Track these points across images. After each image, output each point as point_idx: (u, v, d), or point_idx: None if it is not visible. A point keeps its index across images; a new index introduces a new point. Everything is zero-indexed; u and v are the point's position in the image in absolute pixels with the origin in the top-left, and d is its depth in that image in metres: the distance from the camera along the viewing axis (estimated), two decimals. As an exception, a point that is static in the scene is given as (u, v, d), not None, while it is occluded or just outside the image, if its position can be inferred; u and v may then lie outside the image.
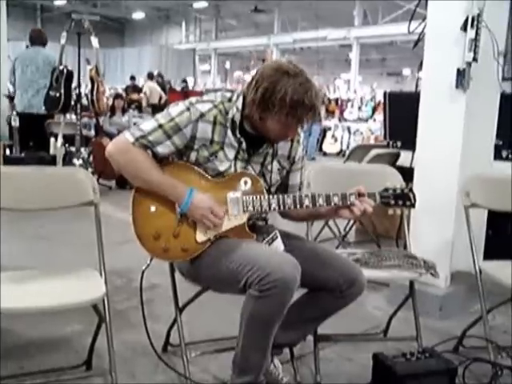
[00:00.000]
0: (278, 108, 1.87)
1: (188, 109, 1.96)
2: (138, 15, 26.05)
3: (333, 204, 2.00)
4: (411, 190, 2.06)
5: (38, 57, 6.29)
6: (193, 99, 2.02)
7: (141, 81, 15.31)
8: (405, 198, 2.04)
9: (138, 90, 12.70)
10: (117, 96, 8.29)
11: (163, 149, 1.96)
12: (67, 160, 6.47)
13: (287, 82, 1.86)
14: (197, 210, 1.93)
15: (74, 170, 2.52)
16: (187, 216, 1.96)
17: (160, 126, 1.95)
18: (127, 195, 2.02)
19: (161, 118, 1.97)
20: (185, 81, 15.66)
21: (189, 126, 1.95)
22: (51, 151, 6.58)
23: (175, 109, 1.98)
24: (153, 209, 1.99)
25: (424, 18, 3.11)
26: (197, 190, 1.95)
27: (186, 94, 12.08)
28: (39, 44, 6.41)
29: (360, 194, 2.00)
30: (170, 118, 1.95)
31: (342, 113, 13.99)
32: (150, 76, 13.35)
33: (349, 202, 2.00)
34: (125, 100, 8.36)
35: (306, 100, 1.86)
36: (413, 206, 2.06)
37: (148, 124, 1.97)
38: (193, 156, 2.00)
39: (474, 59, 2.84)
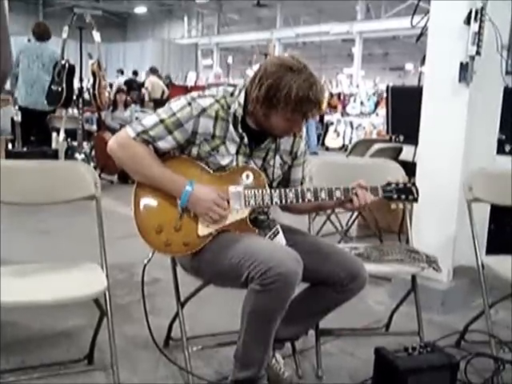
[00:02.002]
0: (284, 104, 1.87)
1: (189, 104, 1.95)
2: (140, 10, 25.97)
3: (335, 198, 2.00)
4: (414, 184, 2.06)
5: (44, 53, 6.26)
6: (194, 94, 2.01)
7: (142, 75, 15.25)
8: (407, 192, 2.04)
9: (137, 86, 12.56)
10: (119, 90, 8.27)
11: (164, 144, 1.96)
12: (69, 154, 6.47)
13: (292, 78, 1.85)
14: (200, 203, 1.92)
15: (76, 163, 2.52)
16: (189, 209, 1.95)
17: (161, 121, 1.94)
18: (129, 190, 2.02)
19: (162, 112, 1.96)
20: (168, 77, 15.44)
21: (190, 121, 1.94)
22: (53, 146, 6.58)
23: (176, 104, 1.97)
24: (154, 203, 1.99)
25: (427, 12, 3.09)
26: (197, 183, 1.95)
27: (186, 88, 12.06)
28: (44, 39, 6.37)
29: (362, 188, 2.00)
30: (172, 113, 1.94)
31: (344, 107, 13.94)
32: (153, 70, 13.32)
33: (351, 196, 2.00)
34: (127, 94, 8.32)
35: (311, 95, 1.86)
36: (415, 200, 2.06)
37: (149, 119, 1.96)
38: (194, 151, 1.99)
39: (478, 53, 2.82)
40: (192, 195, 1.92)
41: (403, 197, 2.04)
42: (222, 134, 1.98)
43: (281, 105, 1.87)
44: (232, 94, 2.01)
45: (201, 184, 1.96)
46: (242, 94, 1.98)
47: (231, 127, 1.99)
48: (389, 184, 2.04)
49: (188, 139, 1.97)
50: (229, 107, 1.99)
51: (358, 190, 1.99)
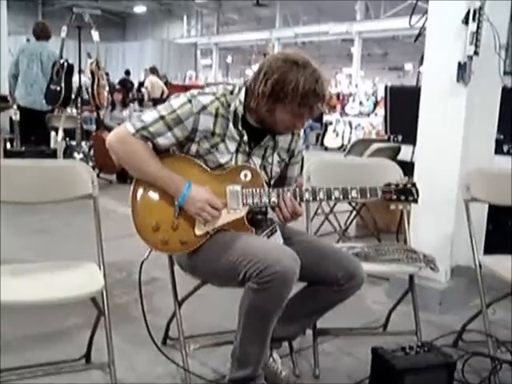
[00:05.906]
0: (290, 98, 1.87)
1: (190, 101, 1.95)
2: (140, 9, 25.93)
3: (333, 198, 2.00)
4: (414, 184, 2.04)
5: (44, 53, 6.23)
6: (194, 91, 2.01)
7: (141, 75, 15.24)
8: (407, 193, 2.03)
9: (131, 85, 12.48)
10: (115, 90, 8.27)
11: (164, 140, 1.96)
12: (68, 154, 6.47)
13: (298, 73, 1.86)
14: (194, 203, 1.92)
15: (73, 162, 2.51)
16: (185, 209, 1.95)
17: (161, 117, 1.94)
18: (128, 189, 2.02)
19: (162, 109, 1.96)
20: (165, 76, 15.24)
21: (190, 119, 1.94)
22: (52, 145, 6.58)
23: (177, 101, 1.97)
24: (152, 201, 1.99)
25: (425, 12, 3.09)
26: (195, 183, 1.95)
27: (185, 88, 12.05)
28: (44, 38, 6.34)
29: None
30: (172, 110, 1.95)
31: (343, 107, 13.95)
32: (152, 70, 13.29)
33: (350, 197, 2.00)
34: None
35: (317, 89, 1.87)
36: (415, 201, 2.04)
37: (149, 115, 1.96)
38: (193, 148, 1.99)
39: (476, 53, 2.82)
40: (188, 195, 1.93)
41: (403, 198, 2.02)
42: (222, 132, 1.99)
43: (288, 99, 1.87)
44: (232, 92, 2.02)
45: (199, 183, 1.96)
46: (243, 92, 1.99)
47: (231, 125, 1.99)
48: (388, 185, 2.03)
49: (188, 136, 1.97)
50: (229, 105, 1.99)
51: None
